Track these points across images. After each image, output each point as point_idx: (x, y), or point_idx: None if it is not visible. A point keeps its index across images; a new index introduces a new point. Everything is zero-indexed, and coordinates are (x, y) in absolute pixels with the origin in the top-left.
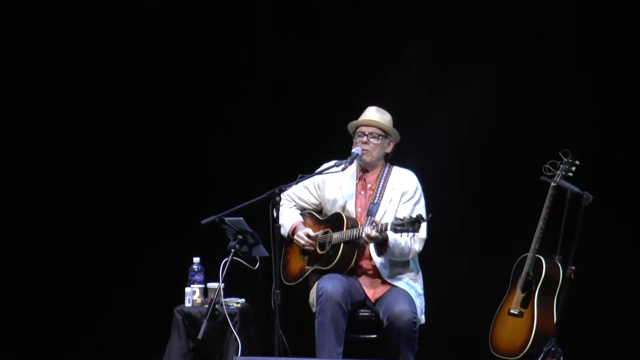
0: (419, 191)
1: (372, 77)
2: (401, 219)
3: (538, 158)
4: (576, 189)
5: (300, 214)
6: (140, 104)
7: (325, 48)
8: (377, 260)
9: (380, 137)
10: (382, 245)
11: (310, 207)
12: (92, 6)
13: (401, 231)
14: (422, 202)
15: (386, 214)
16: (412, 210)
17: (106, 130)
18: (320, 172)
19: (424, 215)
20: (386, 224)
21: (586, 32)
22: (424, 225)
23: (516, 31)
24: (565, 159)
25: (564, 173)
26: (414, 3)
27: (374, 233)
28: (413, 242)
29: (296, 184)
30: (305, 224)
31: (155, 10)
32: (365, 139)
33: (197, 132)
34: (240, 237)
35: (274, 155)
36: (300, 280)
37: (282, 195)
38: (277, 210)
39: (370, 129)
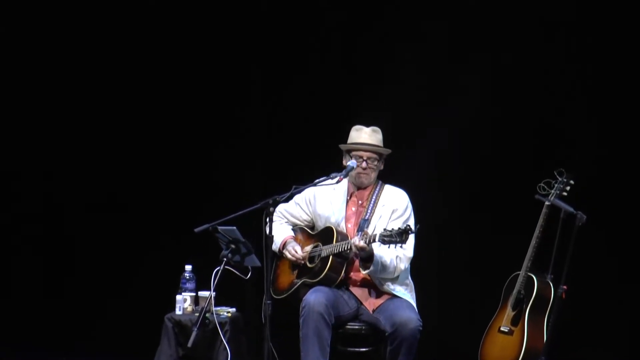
0: (410, 209)
1: (367, 92)
2: (389, 230)
3: (532, 176)
4: (570, 209)
5: (292, 229)
6: (136, 113)
7: (319, 66)
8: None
9: (376, 160)
10: (367, 260)
11: (302, 224)
12: (91, 6)
13: (389, 242)
14: (412, 220)
15: (376, 230)
16: None
17: (102, 138)
18: (314, 184)
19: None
20: (374, 235)
21: (581, 48)
22: (411, 241)
23: (509, 47)
24: (560, 178)
25: (558, 192)
26: (406, 20)
27: (361, 243)
28: (399, 260)
29: (290, 194)
30: (296, 239)
31: (154, 19)
32: (364, 164)
33: (192, 141)
34: (233, 246)
35: (269, 165)
36: (288, 293)
37: (275, 211)
38: (271, 222)
39: (368, 154)
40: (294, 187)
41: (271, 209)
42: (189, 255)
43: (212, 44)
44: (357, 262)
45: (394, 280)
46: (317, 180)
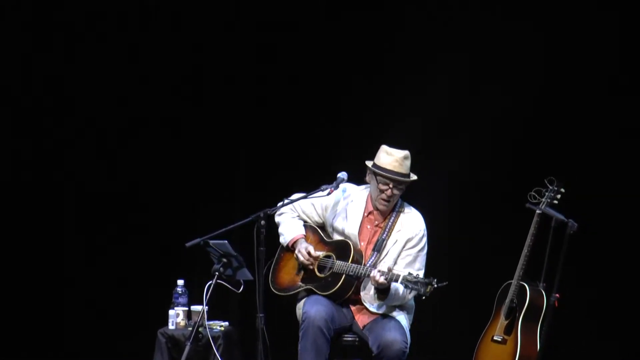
0: (424, 239)
1: (361, 97)
2: (415, 277)
3: (523, 185)
4: (561, 217)
5: (303, 226)
6: (132, 127)
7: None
8: (366, 298)
9: (402, 188)
10: (383, 292)
11: (311, 222)
12: None
13: (411, 289)
14: (425, 250)
15: (388, 255)
16: (415, 258)
17: (92, 150)
18: (304, 197)
19: (424, 267)
20: (398, 276)
21: (575, 58)
22: (422, 270)
23: (500, 54)
24: (550, 187)
25: (549, 200)
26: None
27: (382, 279)
28: (408, 292)
29: (280, 207)
30: (307, 238)
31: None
32: (389, 192)
33: (182, 154)
34: (224, 260)
35: (260, 178)
36: (290, 293)
37: (286, 207)
38: (262, 235)
39: (395, 182)
40: (284, 199)
41: (262, 222)
42: (181, 270)
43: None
44: (360, 286)
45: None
46: (309, 193)
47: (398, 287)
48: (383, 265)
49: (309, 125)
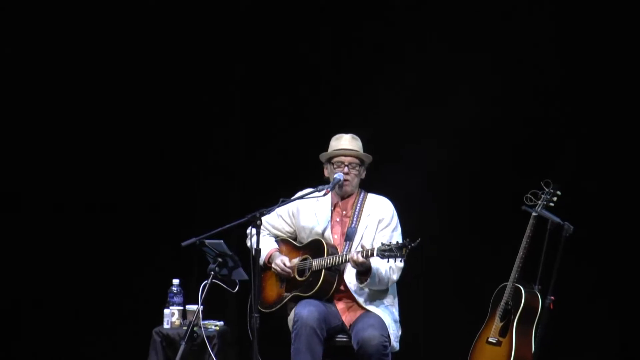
0: (395, 217)
1: (350, 100)
2: (388, 245)
3: (520, 187)
4: (557, 219)
5: (275, 241)
6: (123, 126)
7: (304, 75)
8: (352, 287)
9: (357, 166)
10: (364, 273)
11: (284, 235)
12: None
13: (389, 256)
14: (399, 228)
15: (363, 239)
16: (391, 237)
17: (87, 154)
18: (301, 197)
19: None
20: (372, 249)
21: (566, 60)
22: None
23: (496, 57)
24: (546, 189)
25: (545, 203)
26: (397, 26)
27: (361, 258)
28: (392, 271)
29: (278, 207)
30: (280, 251)
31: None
32: (346, 169)
33: (178, 155)
34: (220, 260)
35: (255, 178)
36: (278, 306)
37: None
38: (258, 234)
39: (349, 159)
40: (281, 200)
41: (258, 222)
42: (176, 269)
43: (191, 60)
44: (344, 276)
45: (381, 292)
46: (304, 193)
47: (379, 266)
48: (359, 247)
49: (309, 124)
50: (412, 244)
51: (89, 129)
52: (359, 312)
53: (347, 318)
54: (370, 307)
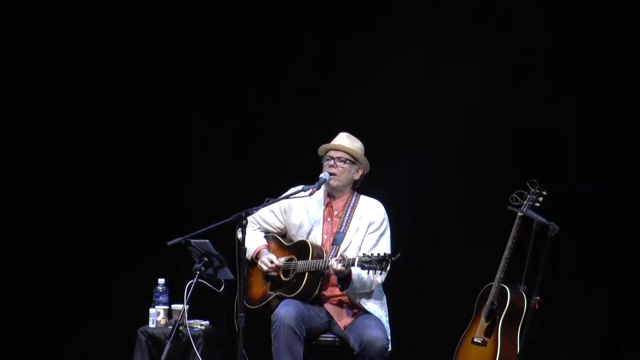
0: (386, 222)
1: (343, 104)
2: (369, 256)
3: (505, 187)
4: (543, 220)
5: (264, 237)
6: (111, 125)
7: (300, 73)
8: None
9: (347, 162)
10: (345, 279)
11: (274, 231)
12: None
13: (368, 268)
14: (388, 233)
15: (352, 244)
16: (377, 241)
17: (74, 153)
18: (287, 196)
19: (389, 251)
20: (353, 260)
21: (556, 64)
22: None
23: (484, 62)
24: (532, 189)
25: (530, 203)
26: (393, 33)
27: (339, 267)
28: (375, 274)
29: (263, 207)
30: (269, 248)
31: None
32: (332, 162)
33: (164, 153)
34: (205, 259)
35: (242, 178)
36: (262, 304)
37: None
38: (243, 234)
39: (339, 154)
40: (267, 199)
41: (244, 221)
42: (162, 268)
43: (180, 61)
44: (332, 279)
45: (368, 295)
46: (290, 192)
47: (360, 272)
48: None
49: (299, 125)
50: (393, 258)
51: (76, 130)
52: (356, 314)
53: (341, 320)
54: (368, 308)
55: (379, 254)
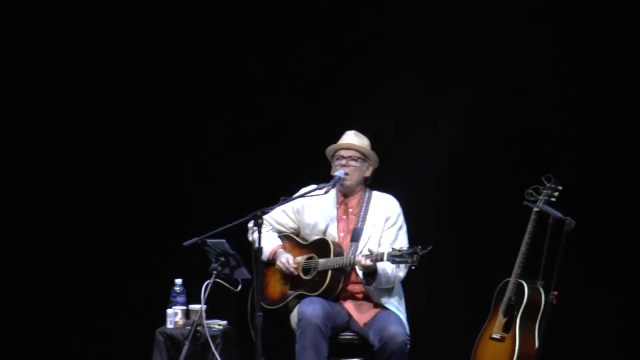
0: (401, 216)
1: (353, 100)
2: (399, 250)
3: (521, 183)
4: (559, 214)
5: (278, 237)
6: (119, 124)
7: (306, 72)
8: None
9: (359, 160)
10: (371, 274)
11: (287, 231)
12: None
13: (399, 262)
14: (405, 227)
15: (370, 239)
16: (397, 236)
17: (83, 152)
18: (302, 195)
19: (407, 244)
20: (382, 254)
21: (566, 58)
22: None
23: (497, 57)
24: (548, 184)
25: (546, 198)
26: (400, 25)
27: (368, 262)
28: (399, 269)
29: (278, 206)
30: (284, 247)
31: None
32: (344, 161)
33: (176, 154)
34: (222, 259)
35: (256, 177)
36: (282, 304)
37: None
38: (260, 233)
39: (349, 152)
40: (282, 198)
41: (260, 220)
42: (179, 269)
43: (190, 61)
44: (353, 276)
45: (388, 291)
46: (305, 191)
47: (385, 267)
48: (365, 250)
49: (312, 123)
50: (423, 251)
51: (82, 129)
52: (373, 311)
53: (360, 317)
54: (387, 305)
55: (408, 248)
